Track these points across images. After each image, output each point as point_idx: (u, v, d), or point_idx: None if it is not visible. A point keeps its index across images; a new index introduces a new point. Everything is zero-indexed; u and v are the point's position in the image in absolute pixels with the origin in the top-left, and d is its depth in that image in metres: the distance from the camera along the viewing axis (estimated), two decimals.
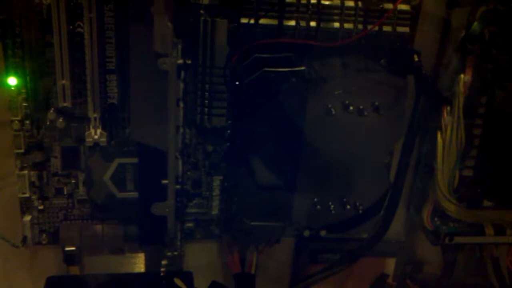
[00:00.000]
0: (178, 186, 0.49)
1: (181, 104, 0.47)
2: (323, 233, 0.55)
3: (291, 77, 0.47)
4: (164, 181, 0.48)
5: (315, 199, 0.52)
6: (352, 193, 0.53)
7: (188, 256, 0.64)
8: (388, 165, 0.56)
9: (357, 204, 0.53)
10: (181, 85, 0.46)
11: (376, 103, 0.50)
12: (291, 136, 0.50)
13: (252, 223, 0.52)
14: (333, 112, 0.49)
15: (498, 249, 0.66)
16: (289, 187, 0.51)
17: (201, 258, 0.65)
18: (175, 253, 0.55)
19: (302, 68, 0.48)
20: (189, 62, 0.47)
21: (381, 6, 0.54)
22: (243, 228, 0.52)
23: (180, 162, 0.49)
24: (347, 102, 0.49)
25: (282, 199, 0.52)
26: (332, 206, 0.53)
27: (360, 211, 0.53)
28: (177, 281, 0.55)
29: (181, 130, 0.47)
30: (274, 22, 0.53)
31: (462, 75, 0.56)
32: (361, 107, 0.49)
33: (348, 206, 0.53)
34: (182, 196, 0.54)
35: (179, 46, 0.45)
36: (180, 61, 0.45)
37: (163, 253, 0.58)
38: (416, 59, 0.55)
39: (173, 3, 0.45)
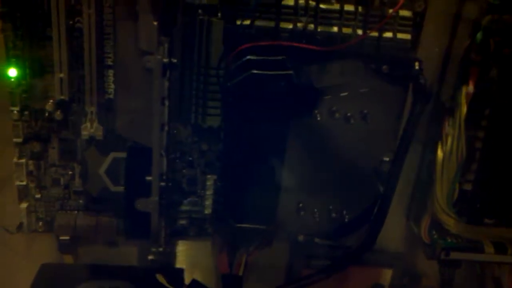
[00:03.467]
0: (163, 183, 0.50)
1: (166, 103, 0.47)
2: (301, 238, 0.55)
3: (278, 81, 0.47)
4: (149, 178, 0.49)
5: (300, 205, 0.52)
6: (339, 201, 0.52)
7: (181, 253, 0.65)
8: (381, 173, 0.55)
9: (344, 212, 0.52)
10: (166, 84, 0.46)
11: (365, 111, 0.49)
12: (277, 140, 0.49)
13: (237, 225, 0.52)
14: (320, 118, 0.48)
15: (500, 268, 0.64)
16: (274, 191, 0.51)
17: (195, 256, 0.65)
18: (160, 249, 0.55)
19: (290, 72, 0.47)
20: (175, 61, 0.47)
21: (383, 11, 0.53)
22: (228, 229, 0.52)
23: (164, 160, 0.49)
24: (334, 108, 0.48)
25: (267, 203, 0.51)
26: (317, 213, 0.52)
27: (346, 220, 0.52)
28: (159, 277, 0.55)
29: (166, 128, 0.48)
30: (271, 24, 0.53)
31: (464, 86, 0.54)
32: (349, 114, 0.48)
33: (334, 214, 0.52)
34: (169, 193, 0.54)
35: (166, 45, 0.45)
36: (166, 60, 0.45)
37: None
38: (417, 67, 0.53)
39: (160, 1, 0.45)
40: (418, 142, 0.60)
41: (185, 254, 0.66)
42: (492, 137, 0.56)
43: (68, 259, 0.62)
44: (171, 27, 0.47)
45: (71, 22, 0.53)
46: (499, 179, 0.57)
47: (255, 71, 0.47)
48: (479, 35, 0.52)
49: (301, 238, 0.60)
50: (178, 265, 0.65)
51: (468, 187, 0.58)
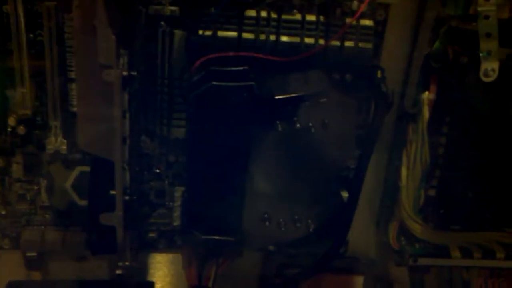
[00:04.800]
0: (127, 197, 0.49)
1: (127, 115, 0.47)
2: (272, 248, 0.55)
3: (239, 92, 0.47)
4: (112, 192, 0.49)
5: (265, 215, 0.52)
6: (304, 210, 0.52)
7: (151, 266, 0.65)
8: (345, 181, 0.55)
9: (309, 221, 0.52)
10: (127, 96, 0.46)
11: (326, 121, 0.49)
12: (240, 152, 0.49)
13: (203, 237, 0.52)
14: (282, 129, 0.48)
15: (468, 272, 0.64)
16: (239, 202, 0.51)
17: (165, 268, 0.65)
18: (127, 263, 0.54)
19: (251, 83, 0.47)
20: (135, 73, 0.47)
21: (344, 21, 0.54)
22: (195, 241, 0.52)
23: (127, 173, 0.49)
24: (295, 118, 0.48)
25: (232, 214, 0.51)
26: (282, 223, 0.52)
27: (311, 229, 0.52)
28: None
29: (128, 141, 0.47)
30: (234, 34, 0.53)
31: (426, 93, 0.55)
32: (310, 124, 0.49)
33: (299, 224, 0.52)
34: (136, 206, 0.54)
35: (125, 58, 0.45)
36: (126, 73, 0.45)
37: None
38: (380, 75, 0.54)
39: (119, 14, 0.45)
40: (385, 149, 0.61)
41: (155, 267, 0.65)
42: (453, 143, 0.57)
43: (36, 275, 0.61)
44: (131, 40, 0.47)
45: (31, 35, 0.52)
46: (461, 184, 0.58)
47: (215, 83, 0.47)
48: (437, 44, 0.53)
49: (272, 247, 0.60)
50: (149, 278, 0.65)
51: (432, 192, 0.59)
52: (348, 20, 0.53)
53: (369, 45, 0.54)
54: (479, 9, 0.48)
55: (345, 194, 0.54)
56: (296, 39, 0.53)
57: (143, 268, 0.64)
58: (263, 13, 0.52)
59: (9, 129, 0.55)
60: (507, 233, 0.60)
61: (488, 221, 0.60)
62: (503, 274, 0.63)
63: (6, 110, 0.54)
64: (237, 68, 0.50)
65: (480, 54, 0.48)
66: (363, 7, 0.51)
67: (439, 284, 0.66)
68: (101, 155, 0.47)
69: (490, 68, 0.48)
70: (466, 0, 0.49)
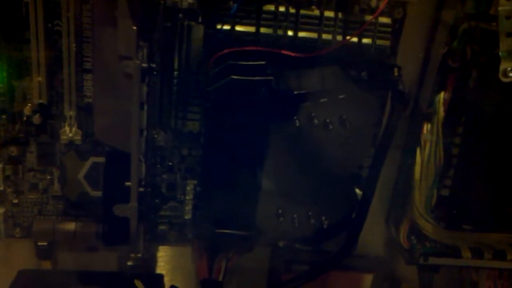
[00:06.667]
0: (141, 189, 0.49)
1: (145, 107, 0.47)
2: (281, 243, 0.55)
3: (258, 87, 0.47)
4: (128, 183, 0.49)
5: (279, 211, 0.52)
6: (318, 207, 0.52)
7: (161, 259, 0.65)
8: (360, 178, 0.55)
9: (323, 218, 0.52)
10: (145, 88, 0.46)
11: (344, 117, 0.49)
12: (257, 146, 0.49)
13: (217, 230, 0.52)
14: (299, 124, 0.48)
15: (477, 273, 0.64)
16: (254, 196, 0.51)
17: (175, 261, 0.65)
18: (139, 255, 0.54)
19: (270, 78, 0.47)
20: (154, 65, 0.47)
21: (362, 18, 0.54)
22: (208, 234, 0.52)
23: (143, 165, 0.49)
24: (313, 114, 0.48)
25: (247, 208, 0.51)
26: (296, 218, 0.52)
27: (325, 226, 0.52)
28: (137, 283, 0.55)
29: (145, 133, 0.47)
30: (252, 29, 0.53)
31: (442, 93, 0.55)
32: (327, 120, 0.49)
33: (313, 220, 0.52)
34: (148, 199, 0.54)
35: (145, 50, 0.45)
36: (145, 65, 0.45)
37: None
38: (396, 73, 0.54)
39: (139, 6, 0.45)
40: (397, 148, 0.61)
41: (165, 260, 0.65)
42: (468, 143, 0.56)
43: (46, 265, 0.61)
44: (150, 32, 0.47)
45: (49, 25, 0.52)
46: (474, 185, 0.58)
47: (234, 77, 0.47)
48: (455, 43, 0.53)
49: (281, 243, 0.60)
50: (158, 270, 0.65)
51: (445, 192, 0.59)
52: (367, 17, 0.53)
53: (387, 43, 0.54)
54: (500, 8, 0.47)
55: (359, 192, 0.54)
56: (314, 35, 0.53)
57: (153, 261, 0.64)
58: (281, 8, 0.52)
59: (24, 118, 0.55)
60: None
61: (500, 223, 0.60)
62: None
63: (24, 99, 0.54)
64: (256, 63, 0.50)
65: (500, 54, 0.48)
66: (384, 5, 0.51)
67: (448, 284, 0.67)
68: (117, 146, 0.47)
69: (509, 68, 0.48)
70: None
